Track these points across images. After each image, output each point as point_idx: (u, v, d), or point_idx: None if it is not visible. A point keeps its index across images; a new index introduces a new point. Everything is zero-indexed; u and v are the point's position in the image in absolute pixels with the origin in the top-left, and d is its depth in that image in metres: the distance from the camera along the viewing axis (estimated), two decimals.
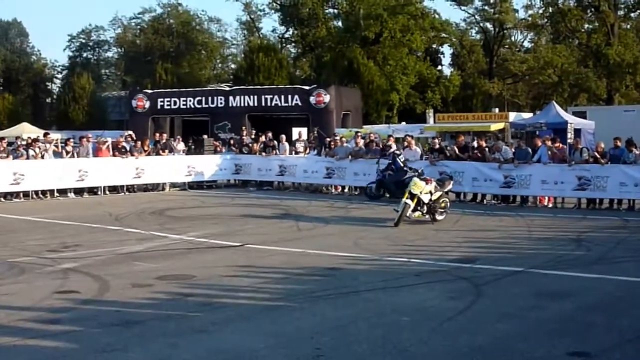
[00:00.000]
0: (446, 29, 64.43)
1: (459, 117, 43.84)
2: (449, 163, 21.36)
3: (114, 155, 24.47)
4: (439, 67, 66.82)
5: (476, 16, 67.23)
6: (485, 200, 21.18)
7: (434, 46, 67.08)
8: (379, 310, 8.33)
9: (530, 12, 63.85)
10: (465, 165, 21.13)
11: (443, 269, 10.74)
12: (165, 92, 39.57)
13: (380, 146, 23.96)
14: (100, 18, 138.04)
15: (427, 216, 16.06)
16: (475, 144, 22.62)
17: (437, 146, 22.87)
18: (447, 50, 71.98)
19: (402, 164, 20.88)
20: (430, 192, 15.97)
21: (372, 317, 7.99)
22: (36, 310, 8.19)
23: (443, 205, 16.50)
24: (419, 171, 21.22)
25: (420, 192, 15.73)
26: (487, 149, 21.65)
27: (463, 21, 69.65)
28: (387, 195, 21.22)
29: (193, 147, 27.74)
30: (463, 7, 66.36)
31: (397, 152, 22.01)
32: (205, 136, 29.45)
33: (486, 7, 65.45)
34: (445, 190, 16.84)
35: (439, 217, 16.25)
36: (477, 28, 69.42)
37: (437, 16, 63.06)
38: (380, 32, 55.67)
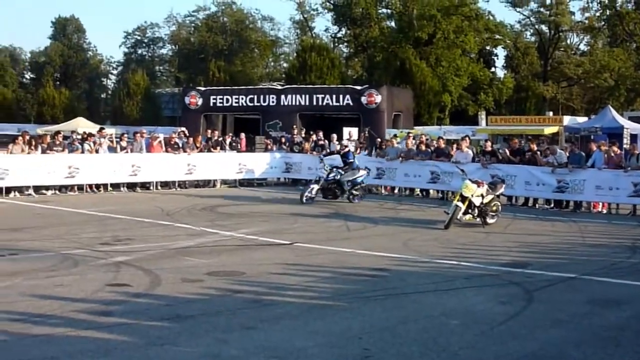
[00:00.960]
0: (500, 30, 63.67)
1: (511, 120, 43.31)
2: (501, 166, 21.11)
3: (166, 151, 24.80)
4: (492, 69, 66.15)
5: (531, 18, 66.48)
6: (537, 205, 20.87)
7: (488, 48, 66.33)
8: (428, 312, 8.27)
9: (587, 14, 62.96)
10: (518, 169, 20.86)
11: (494, 273, 10.61)
12: (218, 89, 39.90)
13: (432, 148, 23.79)
14: (156, 15, 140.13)
15: (478, 219, 15.90)
16: (527, 147, 22.34)
17: (489, 149, 22.60)
18: (500, 52, 71.19)
19: (357, 163, 21.54)
20: (482, 195, 15.80)
21: (421, 319, 7.93)
22: (89, 302, 8.31)
23: (494, 208, 16.31)
24: (369, 170, 21.66)
25: (472, 195, 15.57)
26: (539, 153, 21.36)
27: (518, 23, 68.96)
28: (329, 197, 20.87)
29: (236, 145, 27.88)
30: (518, 9, 65.65)
31: (352, 150, 22.56)
32: (243, 135, 29.58)
33: (542, 9, 64.62)
34: (497, 193, 16.63)
35: (490, 221, 16.07)
36: (532, 30, 68.64)
37: (491, 17, 62.42)
38: (433, 33, 55.32)
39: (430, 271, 10.80)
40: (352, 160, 21.29)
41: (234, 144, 27.81)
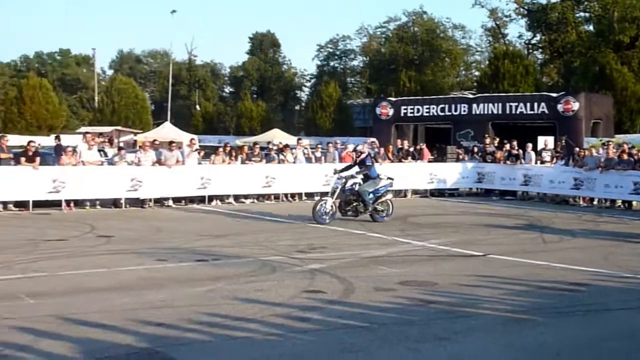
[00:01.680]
0: None
1: None
2: None
3: None
4: None
5: None
6: None
7: None
8: (631, 331, 7.85)
9: None
10: None
11: None
12: (409, 99, 40.05)
13: (635, 157, 22.54)
14: (347, 28, 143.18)
15: None
16: None
17: None
18: None
19: (378, 172, 18.43)
20: None
21: (624, 338, 7.55)
22: (286, 307, 8.59)
23: None
24: (391, 179, 18.54)
25: None
26: None
27: None
28: (349, 213, 17.76)
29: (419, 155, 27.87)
30: None
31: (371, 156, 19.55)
32: (424, 144, 29.37)
33: None
34: None
35: None
36: None
37: None
38: (636, 36, 52.35)
39: (633, 287, 10.24)
40: (369, 164, 18.03)
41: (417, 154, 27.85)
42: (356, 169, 18.04)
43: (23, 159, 19.57)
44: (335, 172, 18.01)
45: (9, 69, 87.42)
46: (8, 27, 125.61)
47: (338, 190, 17.44)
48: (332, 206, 17.33)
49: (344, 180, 17.55)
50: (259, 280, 10.25)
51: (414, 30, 71.64)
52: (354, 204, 17.66)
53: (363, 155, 18.14)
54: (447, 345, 7.14)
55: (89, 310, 8.14)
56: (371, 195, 17.63)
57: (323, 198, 17.80)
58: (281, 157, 24.17)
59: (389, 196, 18.75)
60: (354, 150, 19.65)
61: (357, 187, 17.58)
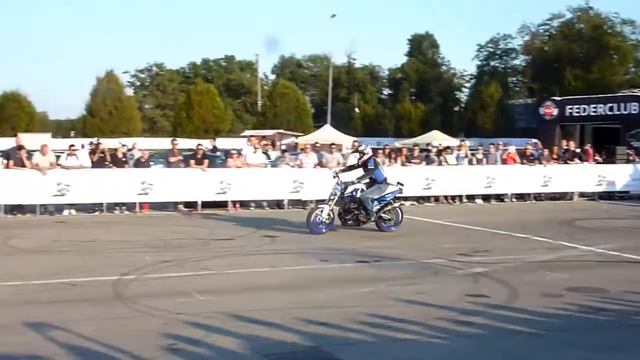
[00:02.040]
0: None
1: None
2: None
3: (521, 163, 24.54)
4: None
5: None
6: None
7: None
8: None
9: None
10: None
11: None
12: (574, 99, 38.69)
13: None
14: (509, 26, 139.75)
15: None
16: None
17: None
18: None
19: (385, 175, 16.07)
20: None
21: None
22: (449, 310, 8.47)
23: None
24: (401, 185, 16.17)
25: None
26: None
27: None
28: (350, 222, 15.78)
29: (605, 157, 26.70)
30: None
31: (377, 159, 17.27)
32: (588, 145, 28.07)
33: None
34: None
35: None
36: None
37: None
38: None
39: None
40: (372, 167, 15.85)
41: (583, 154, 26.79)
42: (359, 171, 16.20)
43: (192, 162, 20.51)
44: (335, 174, 16.03)
45: (177, 75, 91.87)
46: (177, 35, 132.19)
47: (336, 197, 15.58)
48: (329, 214, 15.47)
49: (343, 185, 15.69)
50: (420, 282, 10.19)
51: (579, 26, 68.98)
52: (355, 212, 15.72)
53: (366, 157, 16.09)
54: (620, 355, 6.81)
55: (255, 308, 8.38)
56: (375, 203, 15.69)
57: (319, 205, 15.96)
58: (441, 158, 23.94)
59: (397, 203, 16.77)
60: (356, 150, 17.59)
61: (358, 194, 15.63)
